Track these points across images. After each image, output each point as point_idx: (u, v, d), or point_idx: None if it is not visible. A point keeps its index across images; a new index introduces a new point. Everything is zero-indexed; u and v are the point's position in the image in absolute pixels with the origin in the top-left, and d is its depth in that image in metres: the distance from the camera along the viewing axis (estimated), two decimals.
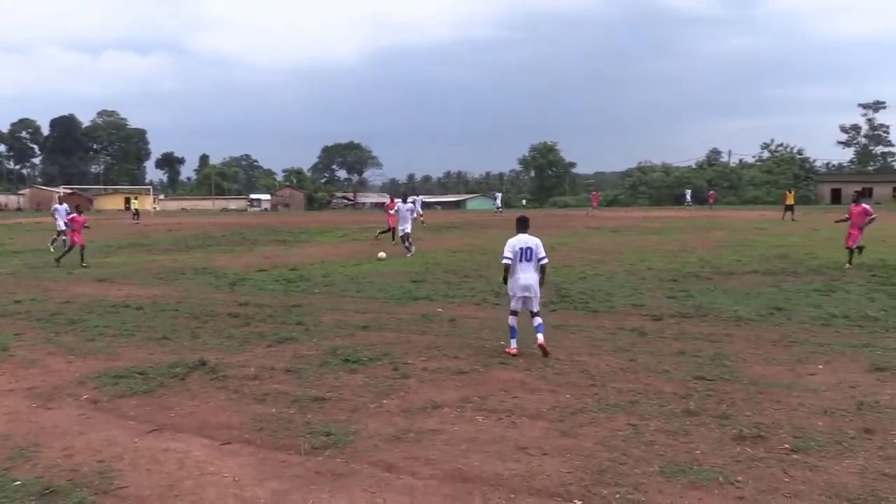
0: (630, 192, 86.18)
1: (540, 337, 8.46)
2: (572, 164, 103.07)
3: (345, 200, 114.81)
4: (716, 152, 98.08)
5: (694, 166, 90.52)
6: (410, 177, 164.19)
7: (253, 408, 6.80)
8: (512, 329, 8.70)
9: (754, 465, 5.22)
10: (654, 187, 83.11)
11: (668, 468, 5.16)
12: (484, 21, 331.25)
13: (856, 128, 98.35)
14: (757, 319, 10.55)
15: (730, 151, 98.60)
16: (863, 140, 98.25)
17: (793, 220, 35.08)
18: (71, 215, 21.14)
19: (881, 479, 4.94)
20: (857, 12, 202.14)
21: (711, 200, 61.66)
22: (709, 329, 9.97)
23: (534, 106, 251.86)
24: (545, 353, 8.41)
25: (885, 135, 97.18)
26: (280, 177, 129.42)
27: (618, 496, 4.73)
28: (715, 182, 78.85)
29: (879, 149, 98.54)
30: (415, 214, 22.77)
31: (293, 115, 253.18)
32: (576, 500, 4.71)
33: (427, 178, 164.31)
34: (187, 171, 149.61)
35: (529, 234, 8.81)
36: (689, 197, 64.80)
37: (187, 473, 5.26)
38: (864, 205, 16.36)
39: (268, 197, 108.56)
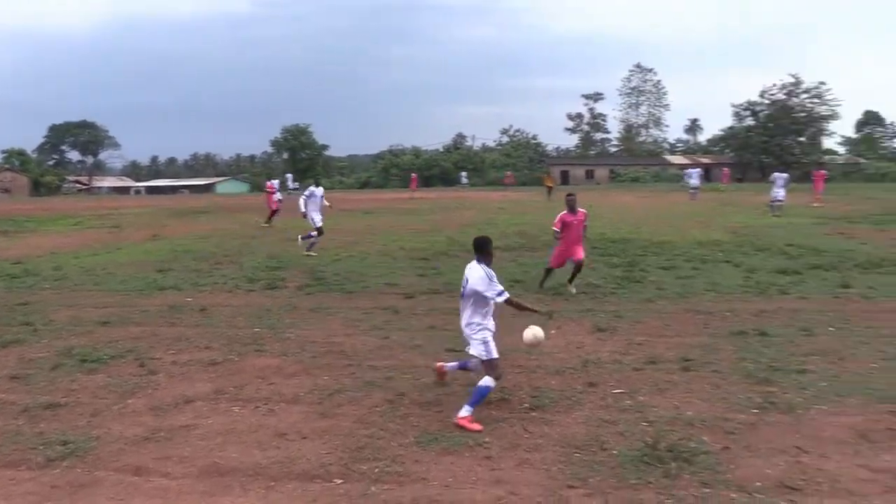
0: (382, 175, 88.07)
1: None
2: (325, 147, 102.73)
3: (78, 185, 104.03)
4: (461, 136, 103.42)
5: (441, 150, 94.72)
6: (154, 159, 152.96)
7: None
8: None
9: (499, 425, 5.68)
10: (405, 169, 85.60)
11: (423, 438, 5.42)
12: None
13: (580, 116, 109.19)
14: None
15: (474, 136, 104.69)
16: (586, 127, 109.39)
17: (548, 201, 38.01)
18: None
19: (602, 425, 5.64)
20: (578, 11, 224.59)
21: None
22: (457, 304, 10.52)
23: (287, 86, 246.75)
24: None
25: (603, 123, 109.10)
26: None
27: (377, 470, 4.89)
28: (461, 165, 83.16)
29: (599, 135, 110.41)
30: (324, 202, 18.11)
31: (10, 88, 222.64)
32: (336, 479, 4.78)
33: (172, 161, 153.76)
34: None
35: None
36: (464, 179, 67.87)
37: None
38: (581, 210, 11.84)
39: None
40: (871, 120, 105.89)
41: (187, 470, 4.99)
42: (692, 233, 19.87)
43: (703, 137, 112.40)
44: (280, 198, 26.17)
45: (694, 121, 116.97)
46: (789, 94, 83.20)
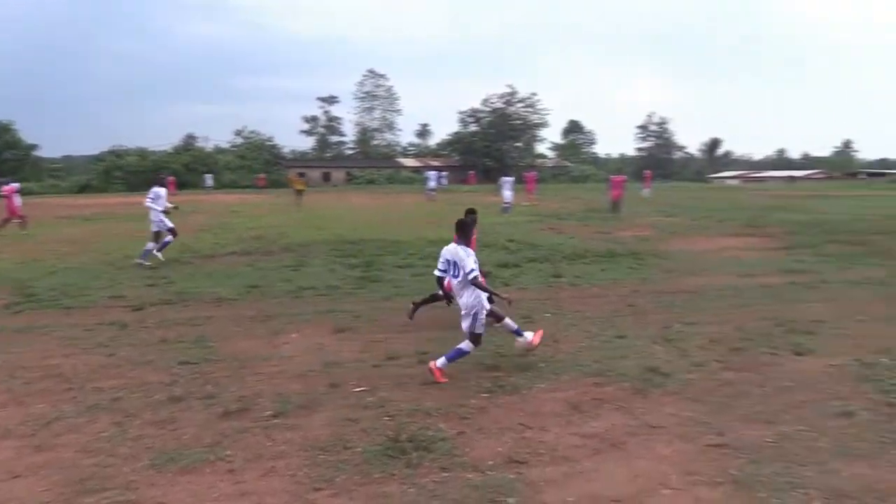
0: (104, 178, 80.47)
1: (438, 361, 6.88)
2: (34, 146, 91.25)
3: None
4: (192, 137, 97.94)
5: (171, 150, 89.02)
6: None
7: None
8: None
9: (241, 437, 5.49)
10: (131, 172, 79.08)
11: (159, 459, 5.07)
12: None
13: (315, 119, 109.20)
14: (237, 298, 11.01)
15: (206, 137, 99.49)
16: (321, 130, 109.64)
17: (298, 204, 36.14)
18: None
19: (346, 424, 5.71)
20: (312, 13, 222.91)
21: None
22: (191, 313, 10.03)
23: None
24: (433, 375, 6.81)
25: (338, 126, 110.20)
26: None
27: (106, 502, 4.48)
28: (192, 166, 78.92)
29: (335, 138, 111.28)
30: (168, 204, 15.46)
31: None
32: None
33: None
34: None
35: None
36: (210, 181, 64.25)
37: None
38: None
39: None
40: (574, 128, 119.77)
41: None
42: (425, 232, 20.86)
43: (432, 141, 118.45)
44: (20, 202, 22.80)
45: (424, 125, 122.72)
46: (507, 103, 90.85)
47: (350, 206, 34.92)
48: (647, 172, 49.07)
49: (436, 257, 14.82)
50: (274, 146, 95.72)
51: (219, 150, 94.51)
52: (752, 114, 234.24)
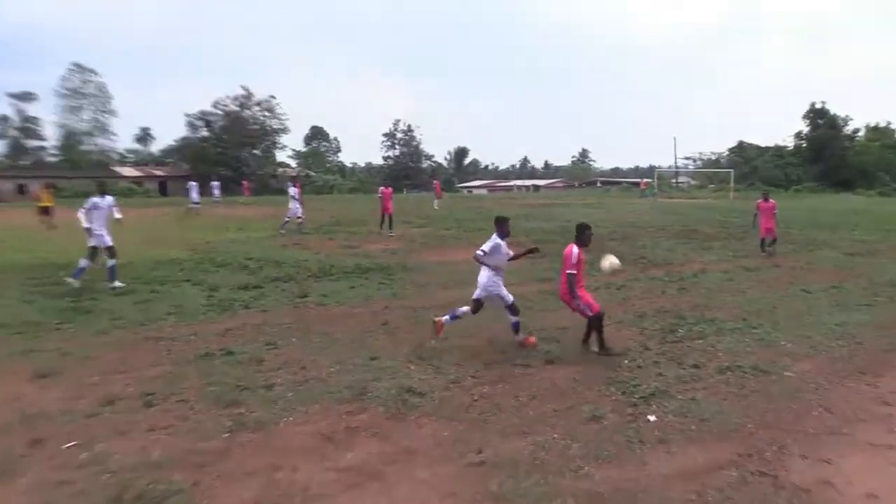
0: None
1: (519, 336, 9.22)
2: None
3: None
4: None
5: None
6: None
7: None
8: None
9: None
10: None
11: None
12: None
13: (6, 119, 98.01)
14: None
15: None
16: (14, 133, 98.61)
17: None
18: None
19: (55, 488, 5.10)
20: None
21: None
22: None
23: None
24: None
25: (37, 128, 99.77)
26: None
27: None
28: None
29: (33, 142, 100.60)
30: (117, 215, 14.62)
31: None
32: None
33: None
34: None
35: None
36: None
37: None
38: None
39: None
40: (317, 135, 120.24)
41: None
42: (151, 252, 19.56)
43: (156, 147, 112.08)
44: None
45: (145, 130, 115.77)
46: (241, 106, 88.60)
47: (56, 223, 31.64)
48: (437, 182, 51.50)
49: (163, 281, 14.12)
50: None
51: None
52: (496, 124, 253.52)
